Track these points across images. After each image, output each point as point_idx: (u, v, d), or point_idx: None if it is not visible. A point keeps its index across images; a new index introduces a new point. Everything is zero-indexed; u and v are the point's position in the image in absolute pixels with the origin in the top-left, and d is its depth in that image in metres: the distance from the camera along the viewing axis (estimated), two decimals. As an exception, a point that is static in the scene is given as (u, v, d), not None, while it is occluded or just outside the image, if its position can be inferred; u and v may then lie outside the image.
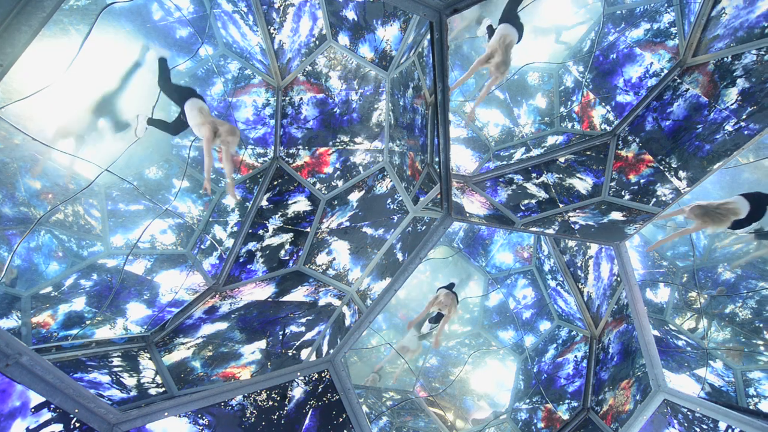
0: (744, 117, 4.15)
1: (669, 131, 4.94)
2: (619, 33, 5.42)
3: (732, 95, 4.26)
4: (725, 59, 4.34)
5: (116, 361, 4.25)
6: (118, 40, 4.69)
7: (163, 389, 4.26)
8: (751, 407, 4.93)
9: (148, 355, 4.55)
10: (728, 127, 4.30)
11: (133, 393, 3.96)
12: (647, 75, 5.28)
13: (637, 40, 5.29)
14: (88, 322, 4.35)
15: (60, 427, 3.05)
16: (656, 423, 4.45)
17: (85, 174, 4.60)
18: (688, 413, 4.31)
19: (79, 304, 4.35)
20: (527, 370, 7.01)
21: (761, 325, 5.59)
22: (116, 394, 3.82)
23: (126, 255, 4.74)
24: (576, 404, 5.88)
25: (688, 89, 4.73)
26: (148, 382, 4.24)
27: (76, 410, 3.08)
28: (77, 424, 3.13)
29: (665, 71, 5.06)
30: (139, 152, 5.00)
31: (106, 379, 3.93)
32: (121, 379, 4.05)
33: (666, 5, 4.98)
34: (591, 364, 5.88)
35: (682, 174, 4.78)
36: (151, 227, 4.98)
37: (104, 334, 4.43)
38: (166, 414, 3.71)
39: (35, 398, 2.91)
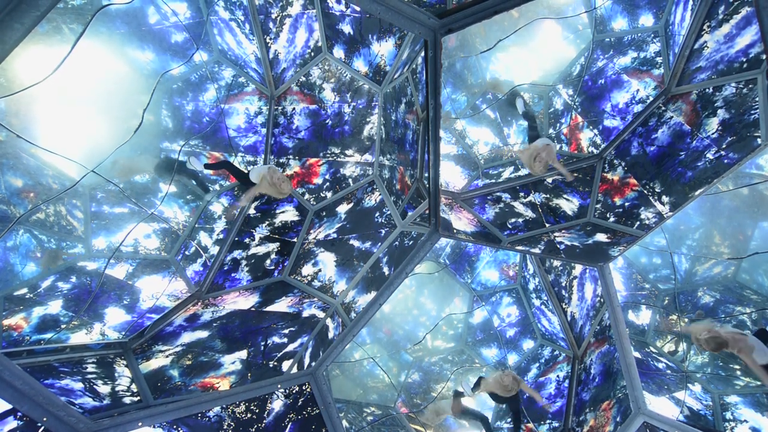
0: (724, 146, 4.29)
1: (653, 157, 5.07)
2: (608, 60, 5.58)
3: (713, 125, 4.41)
4: (707, 90, 4.50)
5: (91, 368, 4.13)
6: (112, 42, 4.66)
7: (139, 398, 4.14)
8: (727, 432, 4.99)
9: (125, 362, 4.43)
10: (709, 155, 4.44)
11: (107, 401, 3.84)
12: (634, 101, 5.43)
13: (624, 67, 5.45)
14: (63, 326, 4.22)
15: (26, 435, 2.93)
16: (635, 445, 4.47)
17: (69, 173, 4.51)
18: (667, 436, 4.34)
19: (55, 307, 4.23)
20: (509, 389, 6.99)
21: (738, 350, 5.68)
22: (89, 402, 3.70)
23: (108, 258, 4.64)
24: (557, 425, 5.87)
25: (672, 117, 4.88)
26: (123, 391, 4.12)
27: (45, 418, 2.98)
28: (45, 433, 3.02)
29: (651, 98, 5.22)
30: (127, 154, 4.94)
31: (78, 386, 3.80)
32: (94, 386, 3.92)
33: (652, 36, 5.15)
34: (573, 385, 5.90)
35: (665, 199, 4.89)
36: (135, 231, 4.89)
37: (80, 339, 4.30)
38: (140, 424, 3.61)
39: (1, 405, 2.80)
